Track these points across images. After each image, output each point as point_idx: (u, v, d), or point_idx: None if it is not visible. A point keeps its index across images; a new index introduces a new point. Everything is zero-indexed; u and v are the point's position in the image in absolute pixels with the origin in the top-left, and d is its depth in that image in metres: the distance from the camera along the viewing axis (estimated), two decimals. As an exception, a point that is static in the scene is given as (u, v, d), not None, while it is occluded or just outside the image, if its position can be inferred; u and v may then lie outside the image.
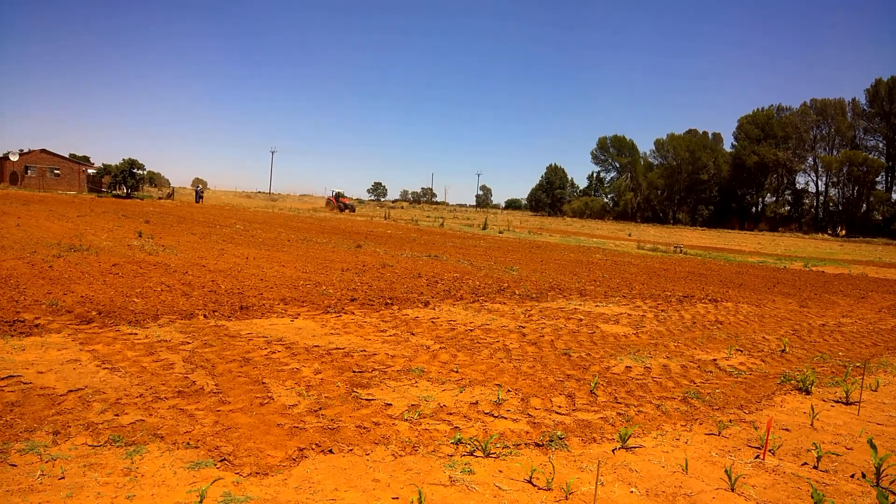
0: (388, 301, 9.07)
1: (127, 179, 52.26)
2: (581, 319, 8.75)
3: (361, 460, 3.54)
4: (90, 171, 62.54)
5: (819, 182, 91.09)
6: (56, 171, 60.35)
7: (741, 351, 7.40)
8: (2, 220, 19.36)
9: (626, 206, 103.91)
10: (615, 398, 5.09)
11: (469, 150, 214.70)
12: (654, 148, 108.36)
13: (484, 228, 39.00)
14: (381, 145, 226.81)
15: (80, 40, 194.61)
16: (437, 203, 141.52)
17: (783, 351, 7.51)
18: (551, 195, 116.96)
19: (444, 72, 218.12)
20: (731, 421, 4.71)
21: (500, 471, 3.53)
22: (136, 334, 6.09)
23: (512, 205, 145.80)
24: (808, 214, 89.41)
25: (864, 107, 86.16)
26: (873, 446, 3.69)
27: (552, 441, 4.00)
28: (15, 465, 3.16)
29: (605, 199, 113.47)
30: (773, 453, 4.10)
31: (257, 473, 3.27)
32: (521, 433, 4.15)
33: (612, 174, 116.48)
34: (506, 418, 4.42)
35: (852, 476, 3.78)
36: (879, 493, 2.91)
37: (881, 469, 3.64)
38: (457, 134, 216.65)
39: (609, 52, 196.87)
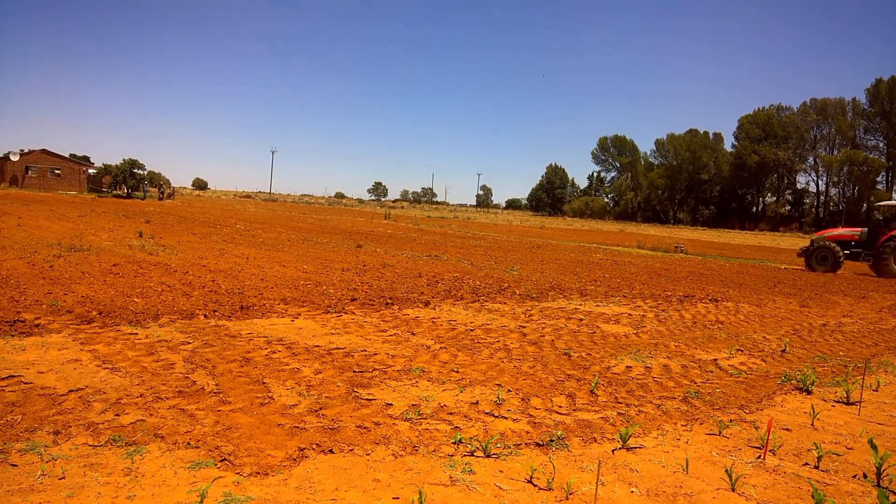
0: (389, 301, 9.06)
1: (127, 179, 52.28)
2: (581, 319, 8.74)
3: (362, 460, 3.54)
4: (90, 171, 62.60)
5: (819, 182, 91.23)
6: (56, 172, 60.37)
7: (742, 351, 7.39)
8: (2, 220, 19.37)
9: (627, 206, 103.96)
10: (616, 398, 5.08)
11: (469, 150, 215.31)
12: (654, 148, 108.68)
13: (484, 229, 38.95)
14: (381, 145, 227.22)
15: (80, 40, 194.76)
16: (437, 203, 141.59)
17: (784, 351, 7.51)
18: (552, 195, 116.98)
19: (445, 71, 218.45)
20: (731, 421, 4.70)
21: (501, 471, 3.53)
22: (136, 334, 6.09)
23: (512, 205, 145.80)
24: (808, 214, 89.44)
25: (865, 106, 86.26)
26: (874, 446, 3.68)
27: (552, 441, 4.00)
28: (15, 465, 3.16)
29: (606, 199, 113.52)
30: (773, 453, 4.09)
31: (258, 473, 3.27)
32: (522, 433, 4.15)
33: (613, 174, 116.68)
34: (506, 418, 4.41)
35: (853, 476, 3.78)
36: (880, 493, 2.91)
37: (882, 469, 3.63)
38: (457, 134, 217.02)
39: (610, 51, 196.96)
